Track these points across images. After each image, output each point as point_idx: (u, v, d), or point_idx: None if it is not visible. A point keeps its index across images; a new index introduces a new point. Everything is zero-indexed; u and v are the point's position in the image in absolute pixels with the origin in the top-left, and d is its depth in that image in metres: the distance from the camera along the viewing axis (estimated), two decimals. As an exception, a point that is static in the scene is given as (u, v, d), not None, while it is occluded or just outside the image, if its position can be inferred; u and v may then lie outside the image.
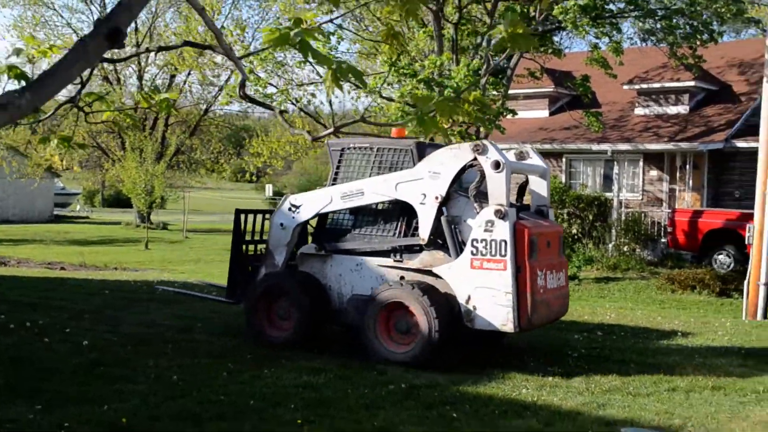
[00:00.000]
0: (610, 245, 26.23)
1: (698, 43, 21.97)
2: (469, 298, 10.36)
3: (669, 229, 24.22)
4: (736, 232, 21.95)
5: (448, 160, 10.67)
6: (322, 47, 21.49)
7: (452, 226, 10.61)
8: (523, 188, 11.98)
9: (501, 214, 10.16)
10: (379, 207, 11.40)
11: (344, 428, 7.49)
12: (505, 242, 10.12)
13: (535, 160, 11.59)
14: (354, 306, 11.05)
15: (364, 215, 11.50)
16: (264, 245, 12.24)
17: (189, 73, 45.75)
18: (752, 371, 10.68)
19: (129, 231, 43.55)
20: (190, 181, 49.75)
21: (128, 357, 10.20)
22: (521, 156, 11.51)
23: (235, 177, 51.05)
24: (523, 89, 28.39)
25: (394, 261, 11.01)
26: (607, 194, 28.66)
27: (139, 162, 35.58)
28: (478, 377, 9.88)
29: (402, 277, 10.89)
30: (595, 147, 28.25)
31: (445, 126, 6.28)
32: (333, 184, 11.64)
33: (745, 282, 17.18)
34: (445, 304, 10.37)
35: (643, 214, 27.67)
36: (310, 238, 12.03)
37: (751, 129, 27.70)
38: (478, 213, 10.34)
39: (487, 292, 10.20)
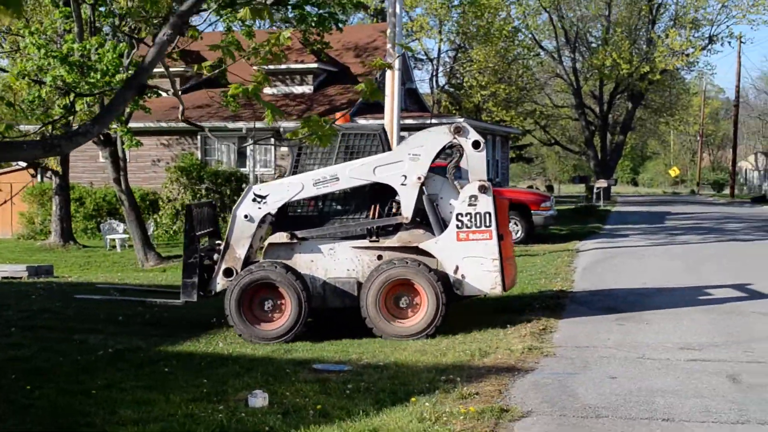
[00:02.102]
0: (249, 218, 27.71)
1: (322, 30, 24.04)
2: (457, 268, 11.07)
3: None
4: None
5: (427, 142, 11.28)
6: None
7: (433, 204, 11.27)
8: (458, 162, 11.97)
9: (484, 189, 11.08)
10: (347, 191, 11.55)
11: (72, 389, 8.18)
12: (490, 214, 11.03)
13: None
14: (333, 289, 11.24)
15: (333, 200, 11.66)
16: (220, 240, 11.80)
17: None
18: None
19: None
20: None
21: None
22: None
23: None
24: (157, 69, 28.88)
25: (370, 242, 11.33)
26: (243, 170, 30.32)
27: None
28: (174, 339, 10.89)
29: (380, 257, 11.25)
30: (230, 125, 29.61)
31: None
32: (295, 172, 11.62)
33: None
34: (443, 277, 10.98)
35: (277, 188, 29.71)
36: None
37: (370, 107, 30.85)
38: (460, 190, 11.14)
39: (474, 261, 11.01)
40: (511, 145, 52.81)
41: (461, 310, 12.01)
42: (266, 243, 11.49)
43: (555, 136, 62.02)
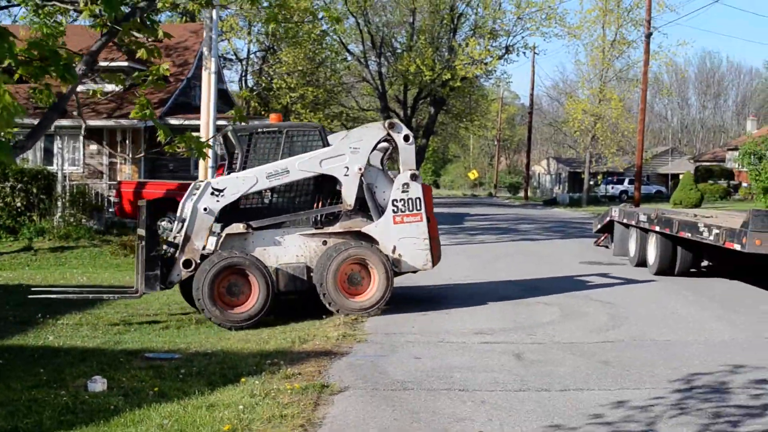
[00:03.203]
0: (57, 216, 27.41)
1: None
2: (394, 248, 12.58)
3: (115, 200, 26.27)
4: (176, 200, 24.83)
5: (365, 137, 12.76)
6: None
7: (372, 192, 12.62)
8: (390, 154, 13.58)
9: (415, 177, 12.74)
10: (293, 184, 12.64)
11: None
12: (420, 199, 12.68)
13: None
14: (285, 274, 12.27)
15: (280, 192, 12.72)
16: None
17: None
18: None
19: None
20: None
21: None
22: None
23: None
24: None
25: (316, 229, 12.55)
26: (50, 168, 29.82)
27: None
28: (4, 333, 11.18)
29: (325, 242, 12.54)
30: (37, 122, 29.06)
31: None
32: (244, 167, 12.46)
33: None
34: (387, 256, 12.43)
35: (86, 186, 29.46)
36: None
37: (180, 107, 31.13)
38: (394, 179, 12.66)
39: (408, 241, 12.62)
40: (320, 146, 53.83)
41: (281, 304, 12.92)
42: (224, 234, 12.28)
43: (361, 138, 63.78)
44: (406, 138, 12.90)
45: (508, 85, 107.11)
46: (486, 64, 51.70)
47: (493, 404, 7.67)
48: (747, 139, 51.77)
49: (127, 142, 30.13)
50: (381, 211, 12.68)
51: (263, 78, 54.38)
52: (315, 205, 12.79)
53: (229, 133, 13.09)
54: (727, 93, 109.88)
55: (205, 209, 12.12)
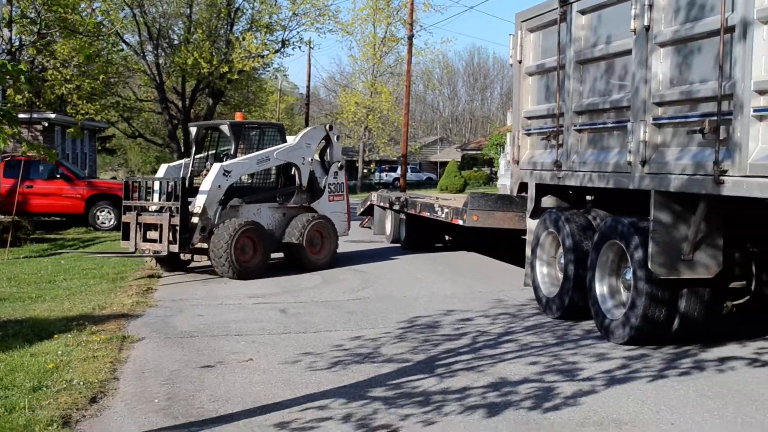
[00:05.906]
0: None
1: None
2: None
3: None
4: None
5: (314, 135, 17.35)
6: None
7: (315, 177, 17.06)
8: (325, 150, 17.95)
9: (342, 167, 17.68)
10: (267, 169, 16.67)
11: None
12: (343, 184, 17.55)
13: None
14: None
15: (256, 175, 16.70)
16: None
17: None
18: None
19: None
20: None
21: None
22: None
23: None
24: None
25: (279, 204, 16.69)
26: None
27: None
28: None
29: (284, 214, 16.68)
30: None
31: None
32: (236, 155, 16.17)
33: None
34: None
35: None
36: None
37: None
38: (329, 168, 17.36)
39: (337, 214, 17.28)
40: (96, 137, 54.09)
41: (81, 274, 14.53)
42: (228, 206, 15.74)
43: (139, 128, 64.06)
44: (338, 138, 17.81)
45: (286, 77, 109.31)
46: (263, 57, 53.54)
47: (261, 342, 9.97)
48: (496, 132, 56.87)
49: None
50: (320, 192, 17.11)
51: (36, 68, 53.64)
52: (278, 186, 16.94)
53: (224, 127, 16.32)
54: (493, 86, 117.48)
55: (218, 186, 15.33)
